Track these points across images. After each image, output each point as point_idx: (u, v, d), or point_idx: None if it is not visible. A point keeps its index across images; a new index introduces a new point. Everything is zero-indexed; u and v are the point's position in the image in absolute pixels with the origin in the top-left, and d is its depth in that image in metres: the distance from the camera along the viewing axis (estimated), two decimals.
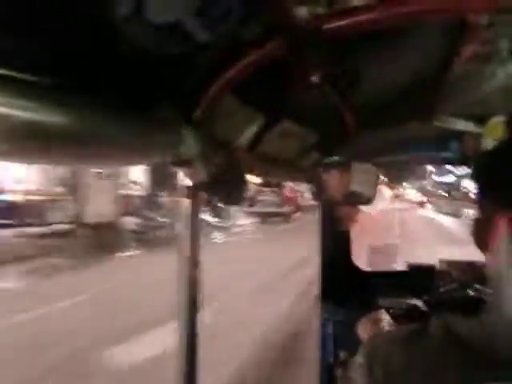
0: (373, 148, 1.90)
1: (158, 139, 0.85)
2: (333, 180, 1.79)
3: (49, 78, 0.61)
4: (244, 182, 1.06)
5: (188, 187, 0.99)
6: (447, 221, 19.89)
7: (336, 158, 1.74)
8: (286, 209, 22.13)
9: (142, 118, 0.81)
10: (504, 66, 1.17)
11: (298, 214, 22.11)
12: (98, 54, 0.65)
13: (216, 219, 15.81)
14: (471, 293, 1.76)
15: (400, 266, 2.19)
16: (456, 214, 21.14)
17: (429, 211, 28.88)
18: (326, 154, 1.73)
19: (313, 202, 2.38)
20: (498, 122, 1.62)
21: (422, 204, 34.28)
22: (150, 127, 0.83)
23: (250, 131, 1.20)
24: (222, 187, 0.99)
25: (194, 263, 1.09)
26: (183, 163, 0.92)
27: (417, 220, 21.33)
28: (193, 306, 1.11)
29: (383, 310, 1.75)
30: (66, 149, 0.66)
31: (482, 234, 0.68)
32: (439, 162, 2.11)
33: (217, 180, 0.94)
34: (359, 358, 0.80)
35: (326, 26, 0.78)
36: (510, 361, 0.57)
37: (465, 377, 0.60)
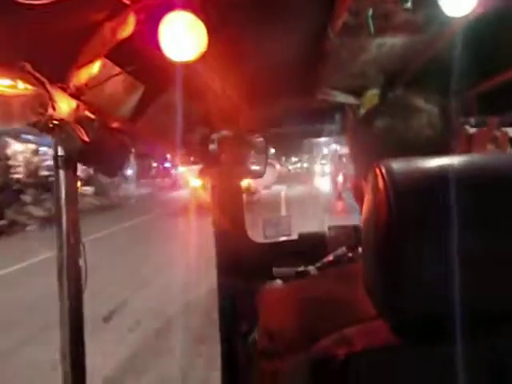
0: (261, 122, 1.94)
1: (24, 99, 0.78)
2: (229, 155, 1.79)
3: None
4: (125, 153, 1.01)
5: (60, 156, 0.90)
6: None
7: (225, 132, 1.74)
8: None
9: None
10: (373, 39, 1.23)
11: None
12: None
13: None
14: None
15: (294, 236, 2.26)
16: None
17: None
18: (215, 129, 1.72)
19: None
20: (373, 94, 1.75)
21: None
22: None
23: (132, 101, 1.15)
24: (99, 156, 0.93)
25: (74, 244, 0.99)
26: (53, 129, 0.84)
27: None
28: (77, 294, 1.02)
29: (279, 280, 1.81)
30: None
31: (356, 190, 0.74)
32: (325, 135, 2.20)
33: (93, 149, 0.88)
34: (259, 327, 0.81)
35: None
36: None
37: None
